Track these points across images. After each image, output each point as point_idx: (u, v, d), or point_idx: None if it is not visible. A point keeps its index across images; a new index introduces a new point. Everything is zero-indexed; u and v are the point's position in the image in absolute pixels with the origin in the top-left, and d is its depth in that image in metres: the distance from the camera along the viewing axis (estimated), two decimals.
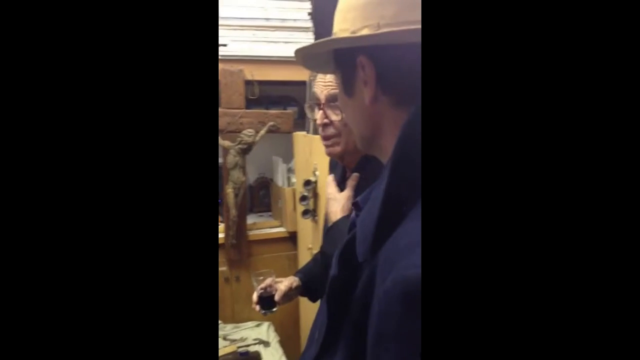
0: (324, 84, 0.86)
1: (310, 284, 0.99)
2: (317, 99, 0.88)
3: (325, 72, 0.84)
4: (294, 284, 0.98)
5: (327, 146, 0.89)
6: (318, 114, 0.88)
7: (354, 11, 0.43)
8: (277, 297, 0.96)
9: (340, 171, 0.97)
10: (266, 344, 1.63)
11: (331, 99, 0.85)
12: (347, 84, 0.47)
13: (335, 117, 0.86)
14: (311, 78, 0.94)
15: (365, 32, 0.42)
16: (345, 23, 0.44)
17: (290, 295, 0.98)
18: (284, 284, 0.97)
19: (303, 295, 1.02)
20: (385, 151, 0.46)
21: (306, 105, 0.97)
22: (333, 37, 0.45)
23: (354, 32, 0.43)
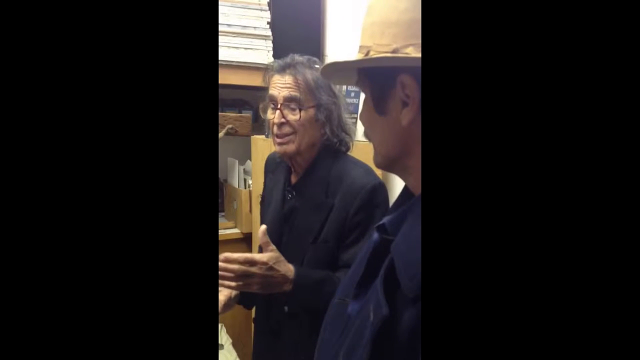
0: (282, 85, 0.90)
1: (248, 292, 0.97)
2: (274, 99, 0.91)
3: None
4: (232, 294, 0.99)
5: (280, 144, 0.92)
6: (275, 114, 0.91)
7: (397, 27, 0.41)
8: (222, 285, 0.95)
9: (284, 173, 1.00)
10: (219, 346, 1.63)
11: (288, 100, 0.89)
12: (380, 101, 0.45)
13: (292, 116, 0.90)
14: (267, 79, 0.96)
15: (410, 50, 0.40)
16: (384, 38, 0.42)
17: (228, 304, 0.97)
18: (223, 294, 0.97)
19: (239, 303, 1.02)
20: (412, 172, 0.45)
21: (260, 106, 0.98)
22: (383, 55, 0.42)
23: (396, 50, 0.41)
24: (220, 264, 0.79)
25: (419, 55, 0.40)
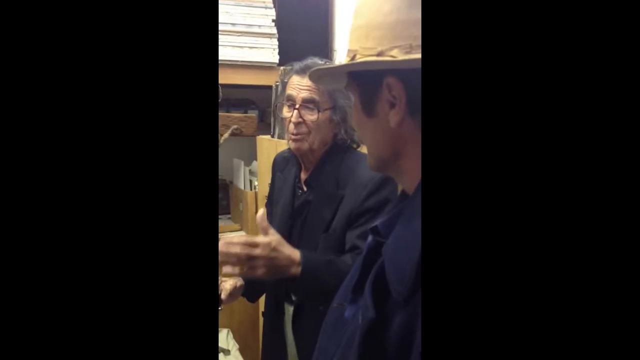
0: (301, 87, 0.94)
1: (252, 283, 1.02)
2: (292, 99, 0.94)
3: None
4: (238, 283, 1.01)
5: (295, 141, 0.96)
6: (292, 113, 0.94)
7: (381, 29, 0.41)
8: (223, 296, 0.97)
9: (294, 170, 1.04)
10: (226, 352, 1.60)
11: (307, 101, 0.93)
12: (368, 103, 0.45)
13: (310, 116, 0.93)
14: (283, 79, 1.02)
15: (395, 52, 0.40)
16: (369, 41, 0.42)
17: (234, 294, 1.00)
18: (229, 283, 0.99)
19: (243, 295, 1.04)
20: (405, 173, 0.46)
21: (277, 105, 1.04)
22: (366, 59, 0.42)
23: (381, 53, 0.41)
24: (220, 248, 0.76)
25: (404, 57, 0.40)
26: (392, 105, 0.43)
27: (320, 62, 0.96)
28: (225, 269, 0.76)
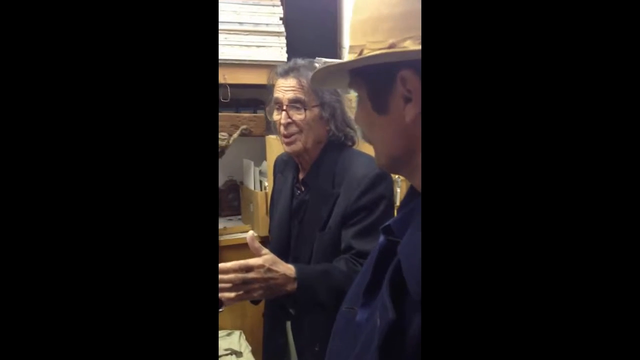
0: (286, 88, 0.95)
1: None
2: (280, 102, 0.96)
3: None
4: None
5: (288, 143, 0.97)
6: (281, 115, 0.95)
7: (390, 21, 0.40)
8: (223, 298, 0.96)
9: (292, 171, 1.05)
10: (238, 354, 1.59)
11: (293, 101, 0.95)
12: (379, 100, 0.43)
13: (298, 116, 0.95)
14: (269, 83, 1.02)
15: (408, 44, 0.38)
16: (378, 34, 0.40)
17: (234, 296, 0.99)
18: None
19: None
20: (417, 170, 0.44)
21: (267, 109, 1.05)
22: (378, 52, 0.40)
23: (393, 45, 0.39)
24: None
25: (418, 47, 0.38)
26: (408, 100, 0.41)
27: (302, 61, 0.97)
28: (222, 296, 0.77)
